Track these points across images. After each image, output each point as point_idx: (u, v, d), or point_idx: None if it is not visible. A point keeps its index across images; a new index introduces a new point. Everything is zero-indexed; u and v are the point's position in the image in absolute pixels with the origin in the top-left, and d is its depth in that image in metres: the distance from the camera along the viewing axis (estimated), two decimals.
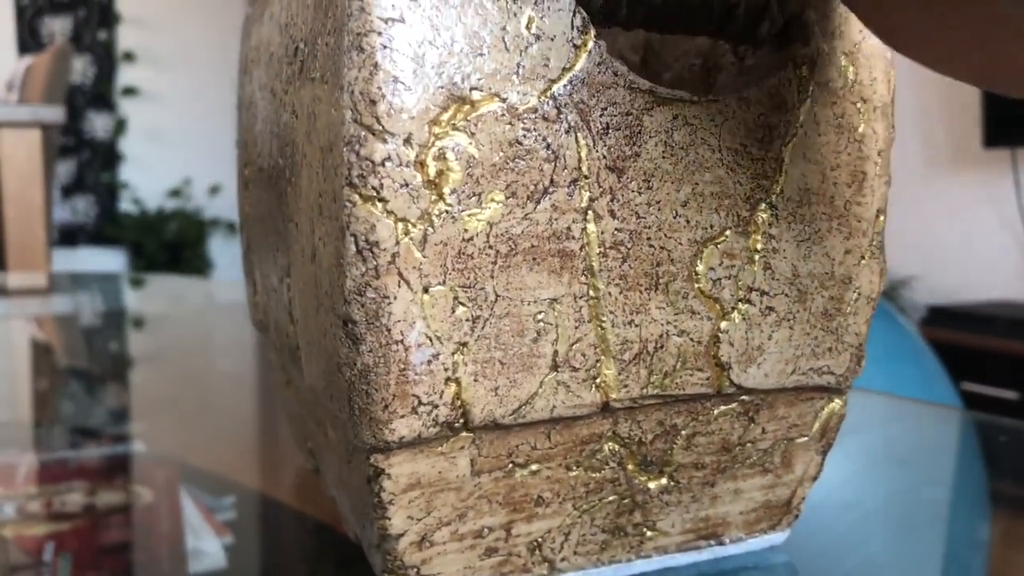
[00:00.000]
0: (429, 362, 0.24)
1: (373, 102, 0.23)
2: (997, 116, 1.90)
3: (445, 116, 0.23)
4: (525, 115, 0.24)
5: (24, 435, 0.53)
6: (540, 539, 0.27)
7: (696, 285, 0.26)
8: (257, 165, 0.32)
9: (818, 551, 0.33)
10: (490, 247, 0.24)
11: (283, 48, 0.28)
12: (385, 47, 0.23)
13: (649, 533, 0.28)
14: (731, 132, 0.26)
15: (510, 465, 0.26)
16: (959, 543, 0.36)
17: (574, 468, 0.26)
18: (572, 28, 0.24)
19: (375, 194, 0.23)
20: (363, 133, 0.23)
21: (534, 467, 0.26)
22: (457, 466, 0.25)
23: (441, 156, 0.23)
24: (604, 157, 0.24)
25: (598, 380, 0.25)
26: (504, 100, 0.23)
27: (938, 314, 1.96)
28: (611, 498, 0.27)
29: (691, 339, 0.26)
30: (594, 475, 0.27)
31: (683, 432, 0.27)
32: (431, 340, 0.24)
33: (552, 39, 0.24)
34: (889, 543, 0.34)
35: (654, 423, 0.27)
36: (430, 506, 0.25)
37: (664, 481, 0.28)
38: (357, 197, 0.23)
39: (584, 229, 0.24)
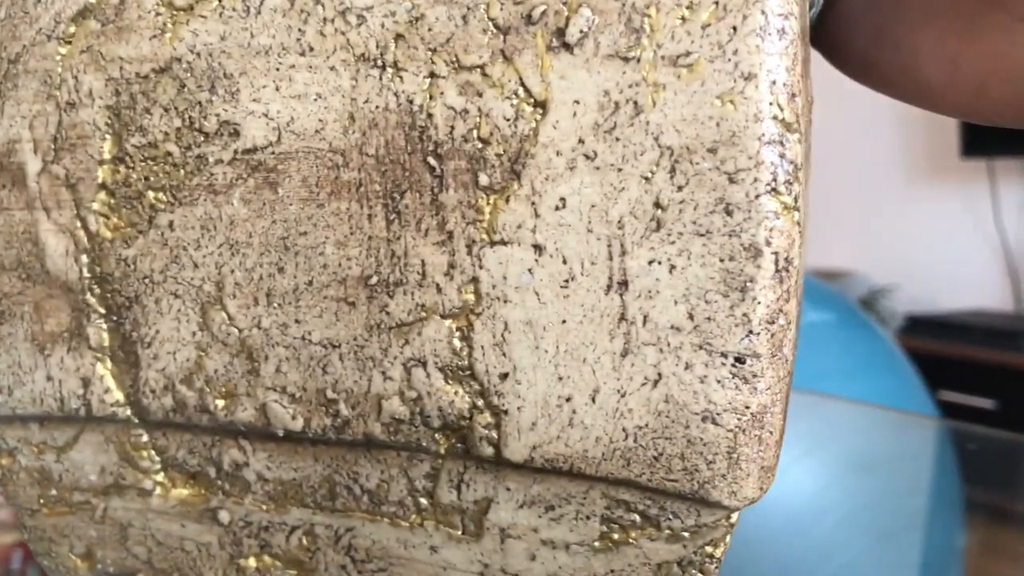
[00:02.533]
0: None
1: (794, 96, 0.23)
2: (974, 127, 1.93)
3: None
4: None
5: None
6: None
7: None
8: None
9: (796, 558, 0.33)
10: None
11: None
12: (803, 30, 0.23)
13: None
14: None
15: None
16: (935, 551, 0.36)
17: None
18: None
19: (794, 203, 0.23)
20: (784, 132, 0.23)
21: None
22: None
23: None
24: None
25: None
26: None
27: (916, 323, 1.98)
28: None
29: None
30: None
31: None
32: None
33: None
34: (865, 551, 0.34)
35: None
36: None
37: None
38: (779, 207, 0.23)
39: None
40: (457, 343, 0.25)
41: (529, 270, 0.25)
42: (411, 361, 0.26)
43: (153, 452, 0.30)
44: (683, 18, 0.23)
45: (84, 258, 0.29)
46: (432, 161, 0.25)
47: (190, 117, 0.27)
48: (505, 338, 0.25)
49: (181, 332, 0.28)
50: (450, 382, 0.26)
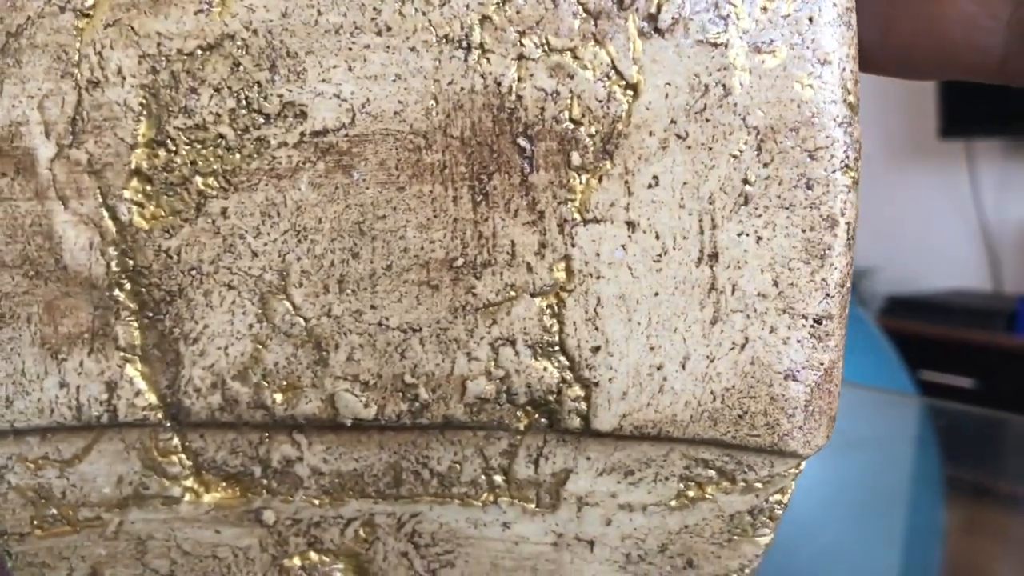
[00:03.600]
0: None
1: (856, 81, 0.25)
2: (952, 108, 1.91)
3: None
4: None
5: None
6: None
7: None
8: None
9: (780, 537, 0.35)
10: None
11: None
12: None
13: None
14: None
15: None
16: (917, 529, 0.39)
17: None
18: None
19: (858, 178, 0.25)
20: (851, 114, 0.25)
21: None
22: None
23: None
24: None
25: None
26: None
27: (896, 304, 1.97)
28: None
29: None
30: None
31: None
32: None
33: None
34: (848, 529, 0.37)
35: None
36: None
37: None
38: (850, 181, 0.25)
39: None
40: (547, 320, 0.26)
41: (622, 246, 0.26)
42: (499, 340, 0.26)
43: (184, 456, 0.28)
44: (765, 8, 0.25)
45: (112, 251, 0.26)
46: (522, 142, 0.25)
47: (247, 97, 0.26)
48: (598, 312, 0.26)
49: (236, 325, 0.27)
50: (539, 358, 0.26)
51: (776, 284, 0.26)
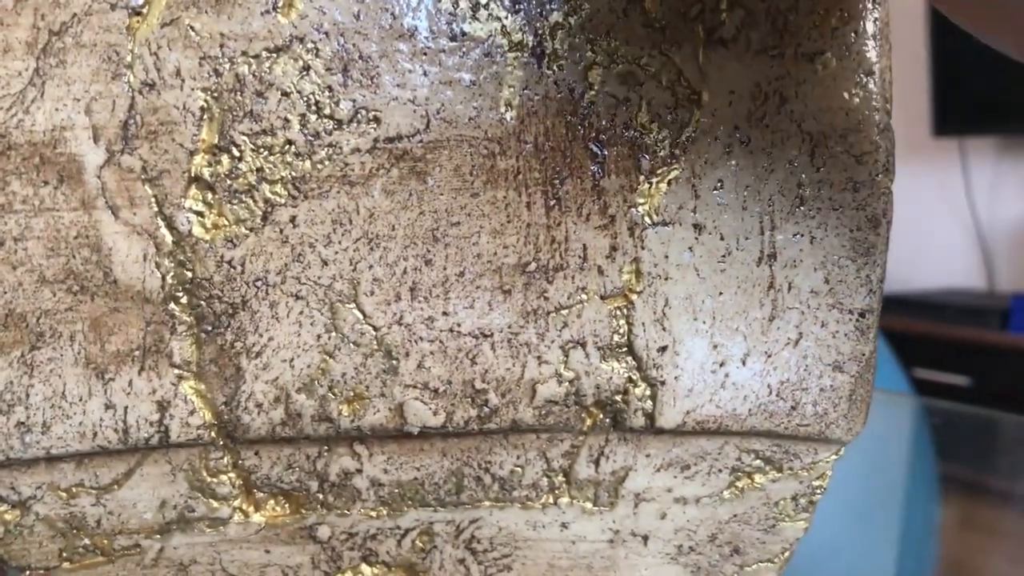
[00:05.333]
0: None
1: (891, 92, 0.27)
2: (946, 106, 1.89)
3: None
4: None
5: None
6: None
7: None
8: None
9: None
10: None
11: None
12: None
13: None
14: None
15: None
16: (912, 527, 0.40)
17: None
18: None
19: (894, 180, 0.27)
20: (888, 120, 0.27)
21: None
22: None
23: None
24: None
25: None
26: None
27: (890, 302, 1.88)
28: None
29: None
30: None
31: None
32: None
33: None
34: (844, 528, 0.38)
35: None
36: None
37: None
38: (889, 183, 0.27)
39: None
40: (617, 322, 0.27)
41: (690, 248, 0.27)
42: (569, 343, 0.27)
43: (234, 475, 0.27)
44: (816, 23, 0.26)
45: (167, 262, 0.25)
46: (594, 147, 0.26)
47: (317, 102, 0.25)
48: (665, 313, 0.27)
49: (303, 337, 0.26)
50: (607, 360, 0.27)
51: (827, 281, 0.27)
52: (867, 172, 0.27)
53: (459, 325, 0.26)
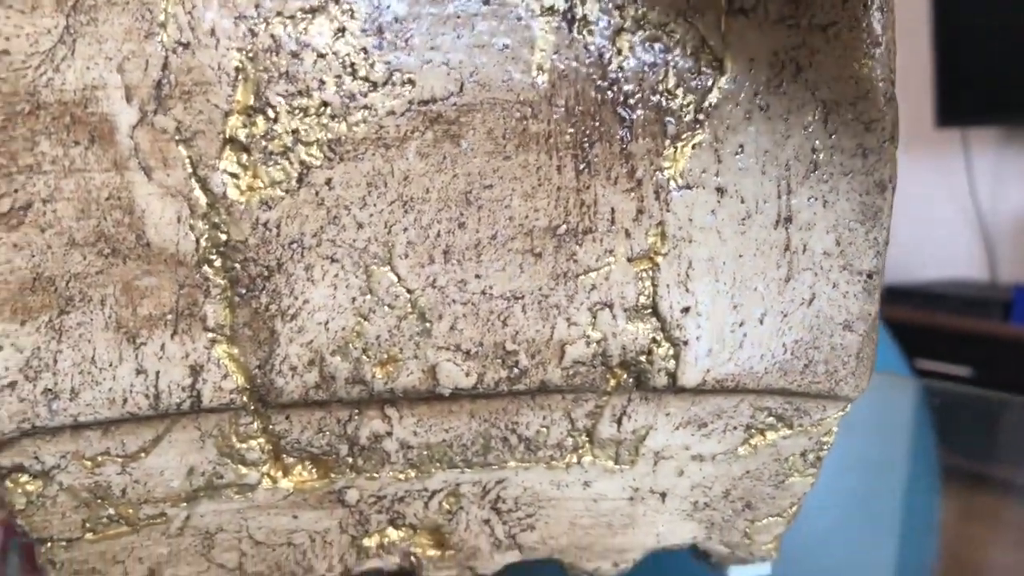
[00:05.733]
0: None
1: (894, 59, 0.28)
2: (948, 97, 1.88)
3: None
4: None
5: None
6: None
7: None
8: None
9: None
10: None
11: None
12: None
13: None
14: None
15: None
16: (913, 515, 0.39)
17: None
18: None
19: (896, 149, 0.28)
20: (892, 90, 0.28)
21: None
22: None
23: None
24: None
25: None
26: None
27: (892, 293, 1.88)
28: None
29: None
30: None
31: None
32: None
33: None
34: (845, 515, 0.37)
35: None
36: None
37: None
38: (894, 149, 0.28)
39: None
40: (642, 284, 0.27)
41: (712, 211, 0.27)
42: (597, 305, 0.27)
43: (263, 440, 0.27)
44: None
45: (201, 225, 0.25)
46: (622, 112, 0.26)
47: (352, 64, 0.25)
48: (689, 275, 0.27)
49: (338, 299, 0.26)
50: (633, 321, 0.27)
51: (838, 243, 0.28)
52: (875, 139, 0.28)
53: (491, 287, 0.26)
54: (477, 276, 0.26)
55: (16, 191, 0.24)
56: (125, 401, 0.25)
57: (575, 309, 0.27)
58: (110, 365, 0.25)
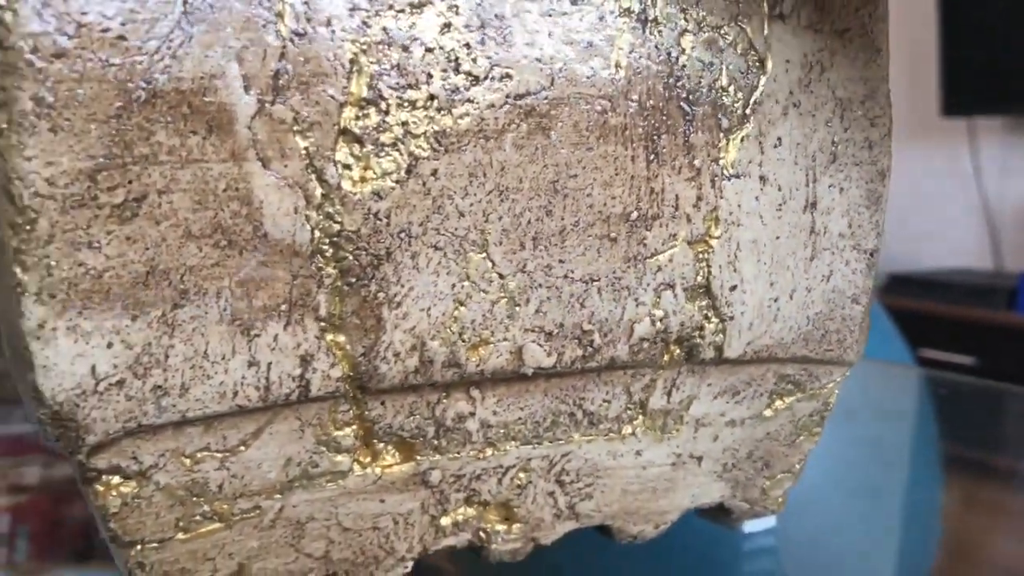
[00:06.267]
0: None
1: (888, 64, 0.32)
2: (954, 86, 1.85)
3: None
4: None
5: None
6: None
7: None
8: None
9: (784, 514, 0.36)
10: None
11: None
12: None
13: None
14: None
15: None
16: (915, 504, 0.40)
17: None
18: None
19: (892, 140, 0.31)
20: (890, 89, 0.32)
21: None
22: None
23: None
24: None
25: None
26: None
27: (897, 282, 1.86)
28: None
29: None
30: None
31: None
32: None
33: None
34: (847, 503, 0.39)
35: None
36: None
37: None
38: (891, 142, 0.31)
39: None
40: (699, 265, 0.30)
41: (756, 197, 0.30)
42: (662, 286, 0.29)
43: (356, 427, 0.27)
44: (844, 3, 0.31)
45: (316, 215, 0.25)
46: (685, 107, 0.29)
47: (457, 58, 0.26)
48: (736, 256, 0.30)
49: (439, 286, 0.26)
50: (691, 299, 0.30)
51: (850, 226, 0.32)
52: (878, 133, 0.32)
53: (572, 271, 0.28)
54: (560, 261, 0.28)
55: (131, 182, 0.23)
56: (235, 394, 0.25)
57: (643, 290, 0.29)
58: (222, 358, 0.25)
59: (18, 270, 0.22)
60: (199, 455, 0.26)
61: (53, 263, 0.23)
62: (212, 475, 0.26)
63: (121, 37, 0.23)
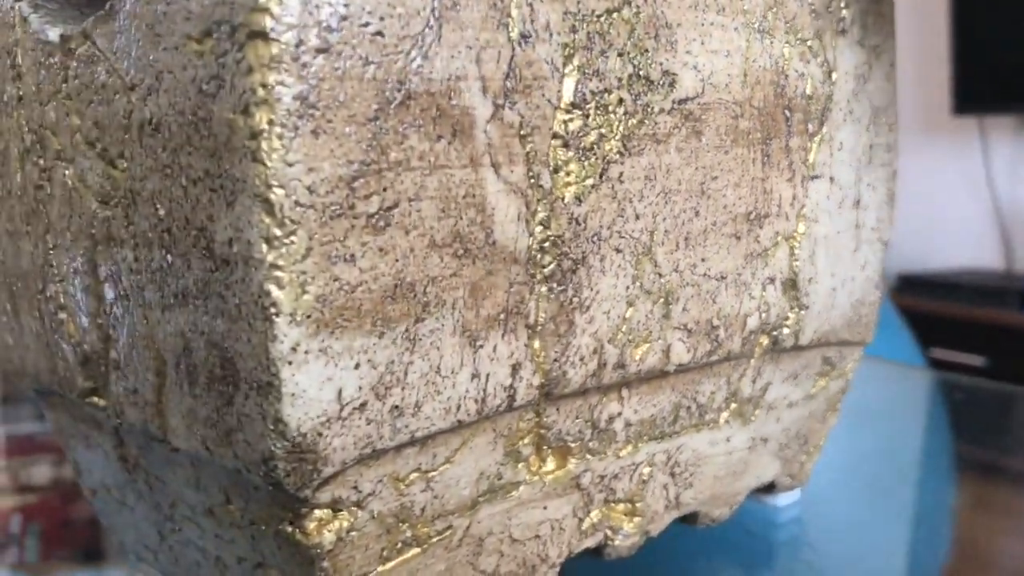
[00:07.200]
0: None
1: None
2: (966, 84, 1.79)
3: None
4: None
5: None
6: None
7: None
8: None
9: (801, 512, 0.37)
10: None
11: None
12: None
13: None
14: None
15: None
16: (927, 505, 0.40)
17: None
18: None
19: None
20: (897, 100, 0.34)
21: None
22: None
23: None
24: None
25: None
26: None
27: (908, 282, 1.81)
28: None
29: None
30: None
31: None
32: None
33: None
34: (859, 504, 0.39)
35: None
36: None
37: None
38: (898, 148, 0.33)
39: None
40: (791, 259, 0.32)
41: (827, 196, 0.33)
42: (767, 280, 0.31)
43: (534, 435, 0.27)
44: (872, 21, 0.35)
45: (532, 222, 0.24)
46: (787, 112, 0.31)
47: (636, 64, 0.26)
48: (814, 250, 0.33)
49: (617, 288, 0.27)
50: (784, 292, 0.32)
51: (878, 220, 0.36)
52: (893, 137, 0.36)
53: (710, 269, 0.29)
54: (703, 259, 0.29)
55: (385, 189, 0.21)
56: (458, 408, 0.24)
57: (755, 285, 0.31)
58: (452, 372, 0.23)
59: (272, 288, 0.20)
60: (410, 478, 0.24)
61: (309, 279, 0.21)
62: (418, 497, 0.25)
63: (379, 33, 0.21)
